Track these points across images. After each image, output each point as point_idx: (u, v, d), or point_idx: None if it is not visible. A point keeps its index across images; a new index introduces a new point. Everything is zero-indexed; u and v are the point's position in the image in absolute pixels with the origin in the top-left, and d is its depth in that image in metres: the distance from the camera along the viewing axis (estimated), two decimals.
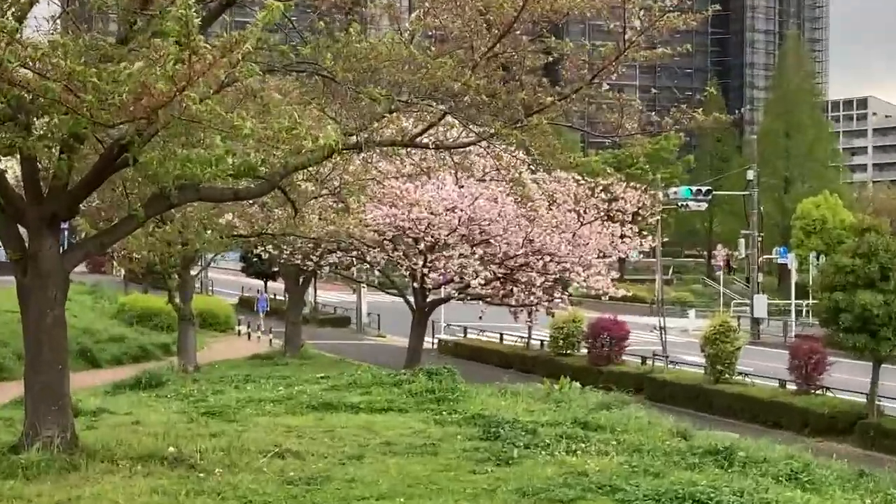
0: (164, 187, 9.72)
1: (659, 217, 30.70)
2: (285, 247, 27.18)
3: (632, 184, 28.44)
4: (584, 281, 27.48)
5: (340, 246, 26.56)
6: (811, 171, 78.85)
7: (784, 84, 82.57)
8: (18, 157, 9.83)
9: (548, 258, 26.34)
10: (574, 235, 26.54)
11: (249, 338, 39.11)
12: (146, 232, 17.89)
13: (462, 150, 13.49)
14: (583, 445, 11.93)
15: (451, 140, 12.98)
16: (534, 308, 28.85)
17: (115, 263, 49.04)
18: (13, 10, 7.79)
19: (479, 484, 9.85)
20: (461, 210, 25.64)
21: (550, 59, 11.82)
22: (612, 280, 28.09)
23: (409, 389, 16.23)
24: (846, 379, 25.53)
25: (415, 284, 28.07)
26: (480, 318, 29.79)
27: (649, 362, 30.14)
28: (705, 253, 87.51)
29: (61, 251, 10.58)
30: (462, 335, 40.66)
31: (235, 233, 21.69)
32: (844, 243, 27.72)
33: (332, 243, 25.43)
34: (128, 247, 20.29)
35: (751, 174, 50.52)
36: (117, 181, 12.06)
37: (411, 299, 28.80)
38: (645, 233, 29.16)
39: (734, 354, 26.26)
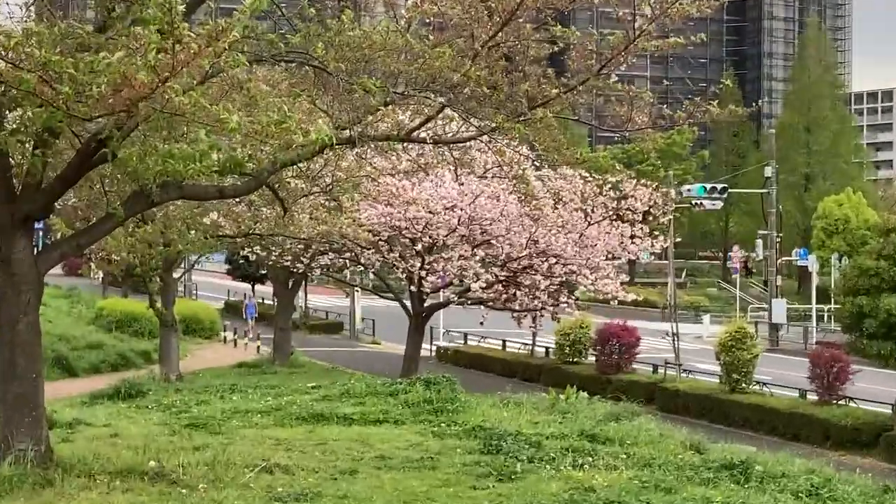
0: (145, 184, 9.72)
1: (671, 216, 30.68)
2: (274, 248, 27.20)
3: (642, 181, 28.45)
4: (592, 284, 27.49)
5: (332, 247, 26.58)
6: (833, 168, 78.96)
7: (804, 75, 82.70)
8: None
9: (553, 260, 26.36)
10: (581, 236, 26.55)
11: (236, 345, 39.12)
12: (126, 232, 17.90)
13: (462, 145, 13.49)
14: (590, 459, 11.93)
15: (449, 134, 12.98)
16: (538, 313, 28.86)
17: (92, 266, 49.09)
18: None
19: (479, 500, 9.86)
20: (461, 209, 25.66)
21: (556, 48, 11.82)
22: (622, 283, 28.10)
23: (405, 400, 16.23)
24: (871, 389, 25.50)
25: (412, 288, 28.08)
26: (481, 323, 29.80)
27: (661, 371, 30.13)
28: (720, 254, 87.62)
29: (35, 253, 10.57)
30: (462, 342, 40.66)
31: (221, 233, 21.73)
32: (868, 244, 27.77)
33: (324, 244, 25.45)
34: (106, 248, 20.30)
35: (769, 171, 50.57)
36: (95, 178, 12.07)
37: (408, 304, 28.81)
38: (656, 233, 29.18)
39: (751, 362, 26.24)
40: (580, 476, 11.02)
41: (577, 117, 13.92)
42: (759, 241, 55.85)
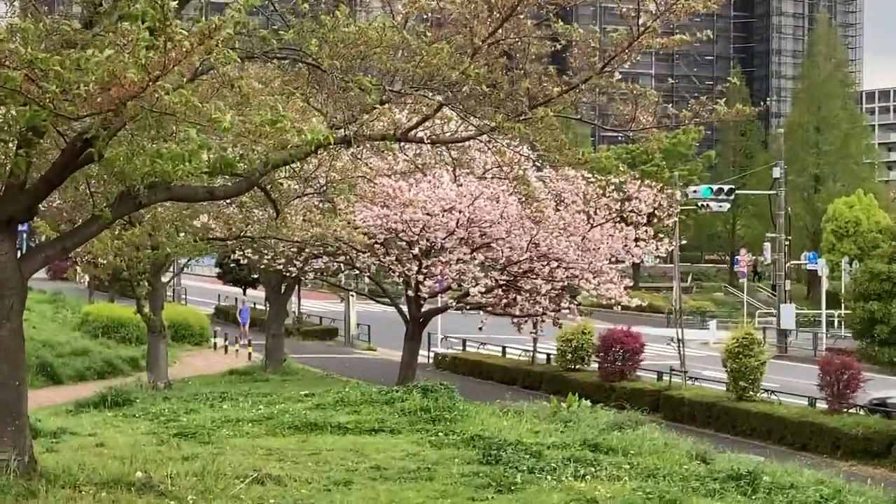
0: (133, 185, 9.72)
1: (677, 219, 30.69)
2: (266, 251, 27.19)
3: (647, 182, 28.46)
4: (595, 289, 27.48)
5: (327, 250, 26.58)
6: (844, 169, 79.02)
7: (814, 73, 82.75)
8: None
9: (554, 264, 26.36)
10: (583, 239, 26.56)
11: (226, 351, 39.09)
12: (112, 235, 17.89)
13: (460, 144, 13.51)
14: (592, 470, 11.93)
15: (448, 134, 13.00)
16: (539, 319, 28.87)
17: (78, 269, 49.02)
18: None
19: None
20: (459, 211, 25.66)
21: (557, 45, 11.84)
22: (626, 288, 28.10)
23: (401, 408, 16.23)
24: (882, 397, 25.53)
25: (409, 292, 28.07)
26: (480, 329, 29.79)
27: (666, 378, 30.14)
28: (727, 258, 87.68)
29: (18, 256, 10.56)
30: (460, 348, 40.65)
31: (211, 236, 21.72)
32: (880, 248, 27.81)
33: (318, 247, 25.45)
34: (92, 251, 20.28)
35: (777, 172, 50.64)
36: (80, 179, 12.06)
37: (405, 309, 28.80)
38: (661, 236, 29.18)
39: (759, 370, 26.26)
40: (582, 487, 11.02)
41: (579, 116, 13.93)
42: (768, 245, 55.89)
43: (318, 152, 10.77)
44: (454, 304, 28.54)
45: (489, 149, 14.77)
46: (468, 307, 28.70)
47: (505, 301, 27.73)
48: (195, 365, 34.56)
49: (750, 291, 67.29)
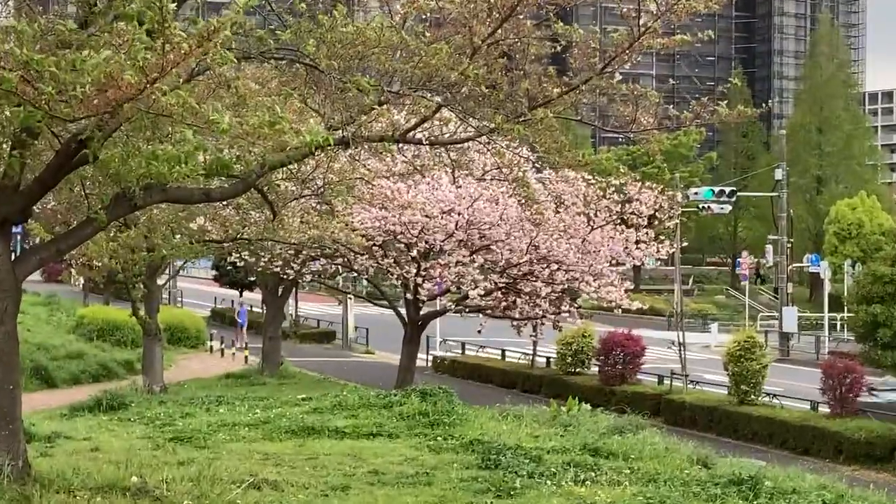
0: (128, 187, 9.70)
1: (678, 221, 30.71)
2: (263, 253, 27.18)
3: (648, 184, 28.47)
4: (595, 292, 27.49)
5: (324, 252, 26.56)
6: (846, 170, 79.17)
7: (816, 74, 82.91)
8: None
9: (555, 266, 26.36)
10: (584, 241, 26.56)
11: (223, 354, 39.09)
12: (108, 237, 17.87)
13: (459, 146, 13.50)
14: (592, 474, 11.94)
15: (447, 135, 12.99)
16: (539, 322, 28.85)
17: (73, 272, 49.00)
18: None
19: None
20: (458, 213, 25.66)
21: (557, 46, 11.84)
22: (626, 291, 28.10)
23: (400, 412, 16.23)
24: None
25: (407, 295, 28.07)
26: (480, 332, 29.79)
27: (667, 382, 30.13)
28: (729, 260, 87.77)
29: (13, 258, 10.55)
30: (459, 351, 40.65)
31: (207, 238, 21.70)
32: (883, 250, 27.82)
33: (315, 249, 25.43)
34: (87, 253, 20.27)
35: (779, 173, 50.68)
36: (75, 180, 12.04)
37: (403, 312, 28.79)
38: (662, 238, 29.19)
39: (760, 373, 26.25)
40: (582, 492, 11.02)
41: (579, 118, 13.94)
42: (769, 247, 55.93)
43: (316, 154, 10.76)
44: (453, 306, 28.54)
45: (488, 150, 14.77)
46: (467, 310, 28.69)
47: (504, 304, 27.73)
48: (191, 368, 34.56)
49: (752, 294, 67.30)
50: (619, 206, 27.13)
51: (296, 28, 10.56)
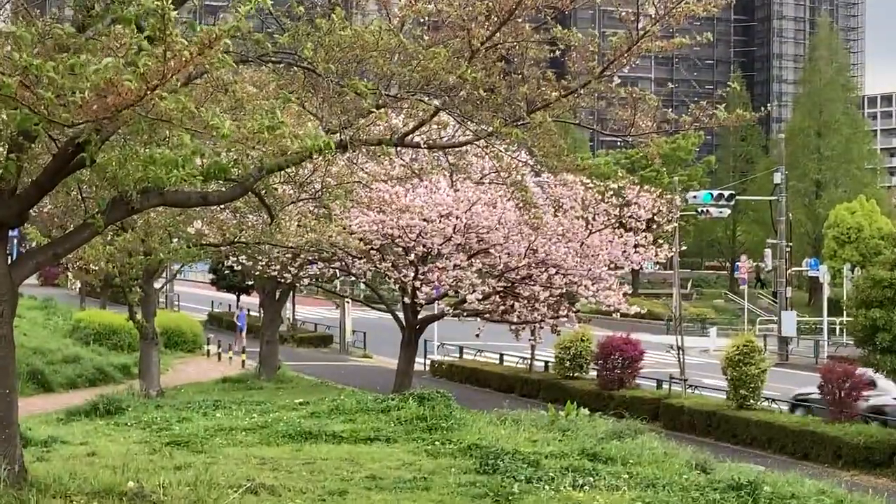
0: (125, 191, 9.70)
1: (676, 224, 30.74)
2: (260, 257, 27.18)
3: (646, 188, 28.50)
4: (594, 296, 27.50)
5: (322, 256, 26.56)
6: (845, 174, 79.25)
7: (815, 77, 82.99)
8: None
9: (553, 270, 26.37)
10: (582, 245, 26.57)
11: (220, 358, 39.07)
12: (104, 240, 17.85)
13: (458, 150, 13.51)
14: (591, 479, 11.93)
15: (445, 139, 13.00)
16: (537, 326, 28.86)
17: (69, 276, 49.04)
18: None
19: None
20: (456, 217, 25.67)
21: (556, 50, 11.85)
22: (625, 295, 28.12)
23: (397, 417, 16.22)
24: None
25: (405, 299, 28.07)
26: (478, 336, 29.81)
27: (665, 386, 30.15)
28: (728, 264, 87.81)
29: (9, 262, 10.55)
30: (457, 356, 40.66)
31: (204, 241, 21.70)
32: (882, 254, 27.82)
33: (313, 253, 25.43)
34: (84, 257, 20.23)
35: (778, 177, 50.71)
36: (72, 184, 12.05)
37: (401, 315, 28.79)
38: (661, 242, 29.20)
39: (759, 378, 26.26)
40: (581, 497, 11.01)
41: (577, 121, 13.94)
42: (768, 251, 55.99)
43: (314, 157, 10.76)
44: (451, 310, 28.54)
45: (487, 154, 14.78)
46: (465, 314, 28.69)
47: (502, 308, 27.73)
48: (188, 372, 34.54)
49: (750, 298, 67.36)
50: (618, 209, 27.15)
51: (294, 31, 10.56)
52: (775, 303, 54.45)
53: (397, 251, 27.00)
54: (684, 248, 37.28)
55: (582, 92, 11.47)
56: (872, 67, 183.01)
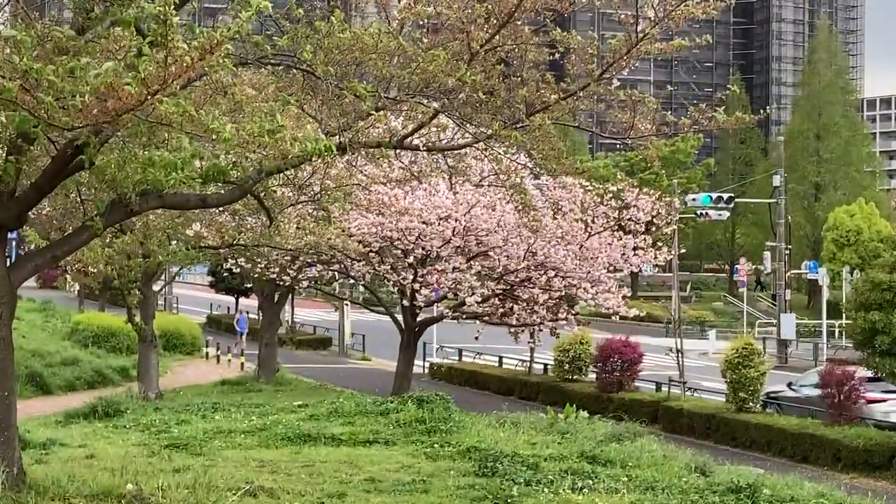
0: (124, 193, 9.71)
1: (675, 227, 30.73)
2: (259, 260, 27.18)
3: (645, 190, 28.50)
4: (593, 298, 27.50)
5: (321, 258, 26.57)
6: (844, 177, 79.26)
7: (814, 80, 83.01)
8: None
9: (552, 273, 26.37)
10: (581, 247, 26.58)
11: (218, 361, 39.06)
12: (103, 243, 17.86)
13: (457, 152, 13.52)
14: (590, 482, 11.92)
15: (444, 141, 13.01)
16: (536, 328, 28.86)
17: (68, 278, 49.01)
18: None
19: None
20: (455, 219, 25.67)
21: (555, 53, 11.86)
22: (624, 297, 28.12)
23: (396, 419, 16.22)
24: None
25: (404, 302, 28.07)
26: (477, 339, 29.80)
27: (665, 389, 30.13)
28: (727, 267, 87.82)
29: (8, 265, 10.55)
30: (456, 358, 40.64)
31: (203, 244, 21.72)
32: (881, 257, 27.80)
33: (312, 256, 25.44)
34: (83, 259, 20.25)
35: (777, 180, 50.72)
36: (71, 186, 12.05)
37: (400, 318, 28.79)
38: (660, 244, 29.20)
39: (759, 380, 26.25)
40: (580, 500, 11.01)
41: (577, 124, 13.96)
42: (767, 254, 56.00)
43: (313, 160, 10.77)
44: (450, 313, 28.53)
45: (486, 156, 14.78)
46: (464, 316, 28.69)
47: (502, 310, 27.73)
48: (187, 375, 34.53)
49: (750, 301, 67.38)
50: (617, 212, 27.15)
51: (293, 34, 10.57)
52: (774, 305, 54.47)
53: (396, 254, 27.00)
54: (683, 250, 37.25)
55: (581, 94, 11.48)
56: (872, 70, 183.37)
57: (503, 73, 11.59)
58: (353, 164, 14.87)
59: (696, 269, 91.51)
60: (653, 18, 10.74)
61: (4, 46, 6.93)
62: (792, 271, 55.68)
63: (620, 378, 30.12)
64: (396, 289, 28.32)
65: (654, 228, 28.67)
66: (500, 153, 13.08)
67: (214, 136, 7.20)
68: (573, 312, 28.57)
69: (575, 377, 32.25)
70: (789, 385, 25.89)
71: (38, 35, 8.01)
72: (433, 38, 11.63)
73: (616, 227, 27.42)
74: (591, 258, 26.88)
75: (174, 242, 21.01)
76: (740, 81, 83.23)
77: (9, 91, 6.70)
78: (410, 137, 12.12)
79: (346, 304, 44.49)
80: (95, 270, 21.57)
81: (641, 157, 58.81)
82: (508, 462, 12.83)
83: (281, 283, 30.29)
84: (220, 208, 16.81)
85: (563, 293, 27.20)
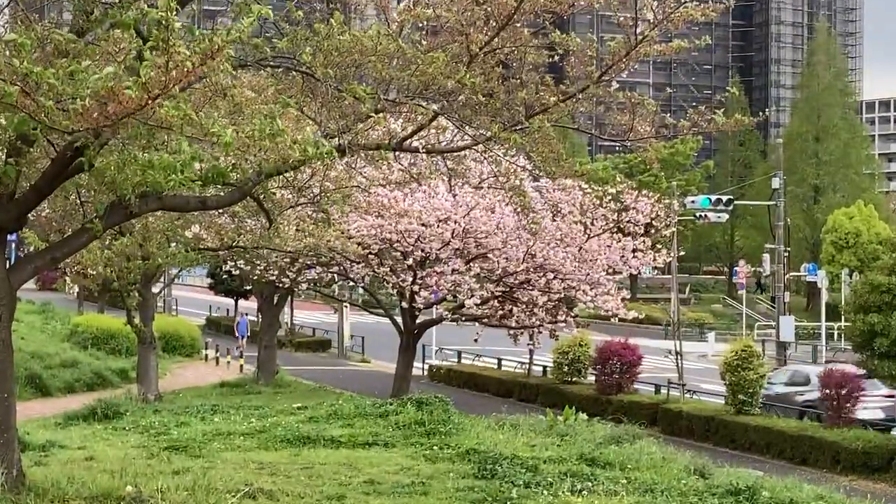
0: (124, 195, 9.70)
1: (674, 229, 30.74)
2: (259, 262, 27.17)
3: (644, 192, 28.50)
4: (592, 300, 27.50)
5: (320, 260, 26.56)
6: (843, 179, 79.25)
7: (813, 82, 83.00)
8: None
9: (551, 275, 26.37)
10: (580, 250, 26.57)
11: (218, 363, 39.04)
12: (103, 245, 17.86)
13: (456, 154, 13.52)
14: (589, 484, 11.92)
15: (443, 144, 13.01)
16: (536, 330, 28.85)
17: (67, 280, 48.95)
18: None
19: None
20: (455, 221, 25.67)
21: (555, 55, 11.87)
22: (623, 300, 28.10)
23: (395, 421, 16.21)
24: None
25: (403, 304, 28.06)
26: (476, 341, 29.79)
27: (664, 391, 30.14)
28: (726, 269, 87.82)
29: (7, 267, 10.55)
30: (455, 360, 40.63)
31: (203, 246, 21.71)
32: (880, 259, 27.82)
33: (311, 258, 25.43)
34: (82, 261, 20.26)
35: (776, 182, 50.62)
36: (71, 188, 12.05)
37: (399, 320, 28.78)
38: (659, 247, 29.21)
39: (758, 383, 26.27)
40: (579, 502, 11.00)
41: (576, 126, 13.98)
42: (766, 256, 55.95)
43: (313, 162, 10.77)
44: (449, 315, 28.53)
45: (485, 159, 14.79)
46: (463, 318, 28.68)
47: (501, 312, 27.73)
48: (186, 377, 34.51)
49: (749, 303, 67.37)
50: (616, 214, 27.15)
51: (292, 36, 10.57)
52: (773, 308, 54.45)
53: (396, 256, 27.00)
54: (682, 252, 37.30)
55: (580, 97, 11.49)
56: (871, 73, 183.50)
57: (502, 76, 11.60)
58: (353, 166, 14.87)
59: (695, 271, 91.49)
60: (652, 21, 10.75)
61: (5, 49, 6.93)
62: (791, 274, 55.63)
63: (619, 380, 30.12)
64: (396, 291, 28.31)
65: (653, 231, 28.66)
66: (499, 155, 13.09)
67: (215, 140, 7.20)
68: (572, 314, 28.58)
69: (574, 379, 32.25)
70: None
71: (38, 37, 8.01)
72: (432, 41, 11.64)
73: (615, 230, 27.42)
74: (591, 260, 26.88)
75: (173, 244, 21.01)
76: (739, 84, 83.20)
77: (10, 95, 6.70)
78: (410, 139, 12.12)
79: (346, 306, 44.47)
80: (95, 272, 21.58)
81: (641, 159, 58.84)
82: (508, 464, 12.83)
83: (280, 285, 30.29)
84: (220, 210, 16.80)
85: (562, 295, 27.20)
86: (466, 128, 12.14)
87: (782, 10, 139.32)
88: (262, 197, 12.51)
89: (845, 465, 22.41)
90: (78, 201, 12.45)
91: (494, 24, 10.77)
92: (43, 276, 60.09)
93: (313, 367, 39.78)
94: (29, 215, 11.17)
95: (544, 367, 34.49)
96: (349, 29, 11.12)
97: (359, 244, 23.93)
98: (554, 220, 25.89)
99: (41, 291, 62.82)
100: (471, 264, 26.36)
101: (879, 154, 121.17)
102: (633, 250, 27.68)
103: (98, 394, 25.44)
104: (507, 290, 27.21)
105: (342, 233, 20.50)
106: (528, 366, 35.42)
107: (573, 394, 30.10)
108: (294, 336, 49.23)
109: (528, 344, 30.76)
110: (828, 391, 24.24)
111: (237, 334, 42.76)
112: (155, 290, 29.11)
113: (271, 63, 10.74)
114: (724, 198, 48.10)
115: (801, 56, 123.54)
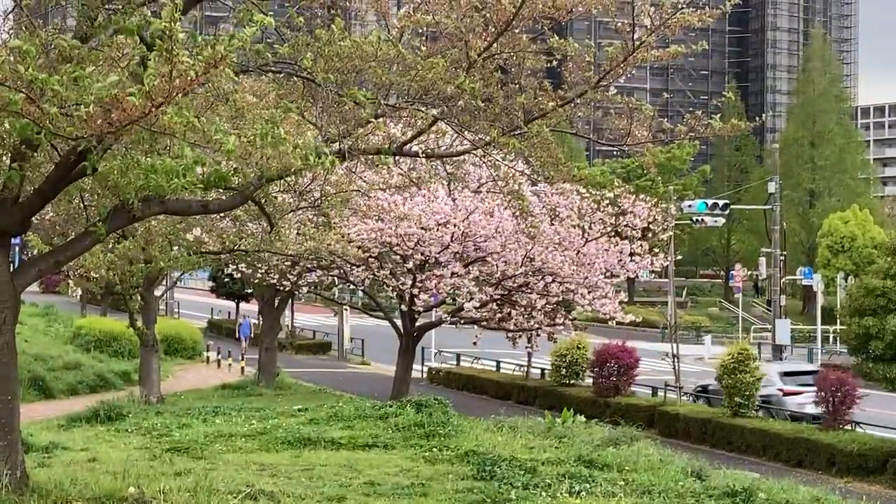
0: (126, 199, 9.71)
1: (671, 233, 30.74)
2: (260, 265, 27.16)
3: (642, 197, 28.50)
4: (590, 304, 27.51)
5: (321, 264, 26.55)
6: (839, 184, 79.31)
7: (809, 88, 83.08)
8: None
9: (549, 278, 26.38)
10: (578, 253, 26.57)
11: (219, 365, 39.04)
12: (105, 248, 17.87)
13: (455, 159, 13.53)
14: (587, 486, 11.92)
15: (443, 148, 13.02)
16: (534, 333, 28.85)
17: (70, 283, 48.95)
18: None
19: None
20: (454, 225, 25.67)
21: (553, 60, 11.88)
22: (620, 303, 28.12)
23: (395, 423, 16.21)
24: (878, 413, 25.57)
25: (402, 307, 28.07)
26: (475, 344, 29.78)
27: (661, 393, 30.12)
28: (722, 273, 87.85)
29: (11, 270, 10.55)
30: (454, 363, 40.62)
31: (204, 249, 21.70)
32: (875, 263, 27.81)
33: (312, 261, 25.42)
34: (85, 265, 20.26)
35: (772, 187, 50.68)
36: (74, 192, 12.05)
37: (398, 323, 28.79)
38: (656, 250, 29.21)
39: (754, 385, 26.27)
40: (577, 503, 11.00)
41: (574, 131, 13.98)
42: (763, 260, 56.02)
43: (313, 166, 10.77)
44: (448, 318, 28.53)
45: (484, 163, 14.80)
46: (462, 321, 28.68)
47: (499, 316, 27.72)
48: (188, 379, 34.51)
49: (745, 306, 67.36)
50: (614, 218, 27.15)
51: (293, 42, 10.58)
52: (769, 311, 54.48)
53: (395, 259, 27.00)
54: (679, 256, 37.27)
55: (578, 102, 11.51)
56: (865, 78, 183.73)
57: (501, 81, 11.61)
58: (353, 170, 14.87)
59: (691, 274, 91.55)
60: (649, 27, 10.76)
61: (10, 56, 6.94)
62: (787, 277, 55.61)
63: (617, 383, 30.10)
64: (395, 294, 28.30)
65: (650, 234, 28.67)
66: (498, 160, 13.10)
67: (217, 147, 7.21)
68: (570, 317, 28.57)
69: (572, 382, 32.23)
70: (718, 379, 26.58)
71: (42, 43, 8.02)
72: (432, 46, 11.65)
73: (613, 234, 27.42)
74: (588, 264, 26.89)
75: (175, 248, 21.00)
76: (736, 89, 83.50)
77: (15, 104, 6.71)
78: (409, 144, 12.13)
79: (346, 309, 44.47)
80: (98, 276, 21.57)
81: (638, 163, 58.86)
82: (506, 466, 12.82)
83: (281, 288, 30.29)
84: (222, 214, 16.81)
85: (560, 298, 27.21)
86: (466, 132, 12.15)
87: (778, 16, 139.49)
88: (263, 201, 12.52)
89: (841, 468, 22.41)
90: (81, 205, 12.46)
91: (493, 29, 10.78)
92: (46, 279, 60.04)
93: (314, 370, 39.77)
94: (33, 219, 11.18)
95: (542, 369, 34.47)
96: (350, 35, 11.14)
97: (359, 248, 23.92)
98: (552, 224, 25.90)
99: (44, 294, 62.82)
100: (470, 268, 26.36)
101: (874, 159, 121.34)
102: (631, 254, 27.69)
103: (101, 396, 25.43)
104: (506, 293, 27.21)
105: (342, 236, 20.51)
106: (526, 368, 35.40)
107: (571, 396, 30.09)
108: (295, 339, 49.22)
109: (527, 347, 30.76)
110: (823, 394, 24.23)
111: (240, 336, 42.76)
112: (157, 293, 29.15)
113: (273, 69, 10.74)
114: (721, 202, 48.12)
115: (796, 62, 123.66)
